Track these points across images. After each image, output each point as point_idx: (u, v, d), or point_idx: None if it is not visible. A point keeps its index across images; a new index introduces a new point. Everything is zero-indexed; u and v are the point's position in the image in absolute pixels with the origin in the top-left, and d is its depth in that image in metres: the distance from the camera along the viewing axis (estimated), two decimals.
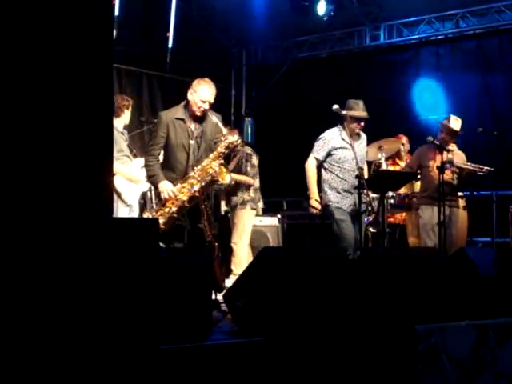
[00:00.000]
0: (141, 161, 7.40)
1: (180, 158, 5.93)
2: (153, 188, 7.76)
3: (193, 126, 5.95)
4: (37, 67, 2.85)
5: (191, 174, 5.84)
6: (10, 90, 2.79)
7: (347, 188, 7.01)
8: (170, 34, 10.85)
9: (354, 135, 7.08)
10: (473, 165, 7.67)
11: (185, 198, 5.80)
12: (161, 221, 5.66)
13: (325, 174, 7.08)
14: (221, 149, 5.85)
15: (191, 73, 11.23)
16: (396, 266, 4.47)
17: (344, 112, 6.98)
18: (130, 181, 7.14)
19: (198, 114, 5.91)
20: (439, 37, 10.62)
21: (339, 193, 6.99)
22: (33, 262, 2.70)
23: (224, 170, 5.88)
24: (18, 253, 2.69)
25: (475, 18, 10.21)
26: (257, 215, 8.76)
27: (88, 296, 2.82)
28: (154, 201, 7.84)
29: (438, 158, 7.39)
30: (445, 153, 7.26)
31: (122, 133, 7.29)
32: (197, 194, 5.77)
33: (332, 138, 7.08)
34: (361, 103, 7.06)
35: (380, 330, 4.06)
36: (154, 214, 5.90)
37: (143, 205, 7.86)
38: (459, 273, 4.79)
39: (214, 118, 5.92)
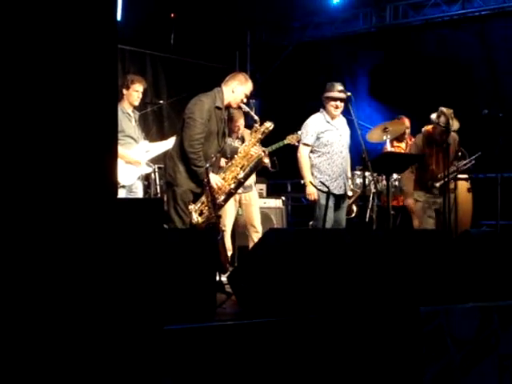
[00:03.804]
0: (146, 144, 7.35)
1: (212, 146, 6.10)
2: (157, 169, 7.74)
3: (224, 114, 6.21)
4: (40, 49, 2.84)
5: (232, 162, 6.18)
6: (13, 74, 2.78)
7: (336, 170, 7.11)
8: (174, 15, 10.80)
9: (335, 117, 7.19)
10: (461, 163, 7.73)
11: (232, 186, 6.07)
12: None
13: (313, 159, 7.15)
14: (259, 135, 6.18)
15: (195, 54, 11.27)
16: (401, 248, 4.47)
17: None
18: (128, 163, 7.02)
19: (235, 105, 6.25)
20: (445, 18, 10.57)
21: (329, 176, 7.08)
22: (37, 244, 2.70)
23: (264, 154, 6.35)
24: (22, 235, 2.69)
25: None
26: (261, 197, 8.81)
27: (92, 277, 2.82)
28: (157, 182, 7.81)
29: (438, 153, 7.44)
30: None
31: (129, 114, 7.21)
32: (242, 181, 6.14)
33: (316, 122, 7.20)
34: (337, 84, 7.15)
35: (385, 312, 4.06)
36: (199, 205, 5.98)
37: (147, 186, 7.83)
38: (464, 254, 4.78)
39: (246, 108, 6.24)
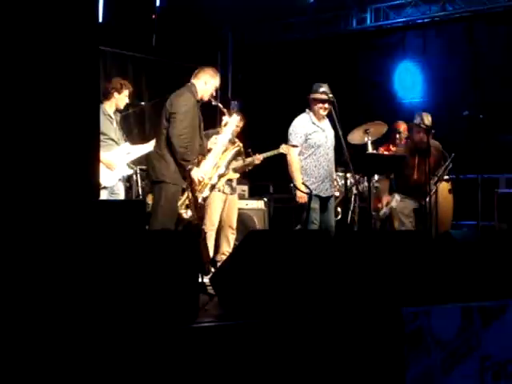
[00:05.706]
0: (127, 146, 7.30)
1: (196, 141, 6.25)
2: (138, 171, 7.70)
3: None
4: (20, 50, 2.83)
5: (209, 154, 6.41)
6: None
7: (322, 173, 7.08)
8: (156, 16, 10.77)
9: (321, 118, 7.16)
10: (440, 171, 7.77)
11: (216, 180, 6.34)
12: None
13: (300, 161, 7.08)
14: (233, 127, 6.58)
15: (177, 55, 11.24)
16: (382, 249, 4.48)
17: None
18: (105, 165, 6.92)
19: (206, 99, 6.39)
20: (426, 20, 10.61)
21: (315, 178, 7.04)
22: (19, 244, 2.69)
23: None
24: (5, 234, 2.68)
25: (462, 0, 10.20)
26: (243, 198, 8.88)
27: (73, 278, 2.81)
28: (139, 184, 7.78)
29: (420, 163, 7.47)
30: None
31: (110, 116, 7.17)
32: (222, 172, 6.42)
33: (304, 123, 7.16)
34: (323, 85, 7.11)
35: (367, 313, 4.07)
36: (184, 199, 6.16)
37: (129, 188, 7.80)
38: (445, 255, 4.81)
39: (215, 102, 6.47)
